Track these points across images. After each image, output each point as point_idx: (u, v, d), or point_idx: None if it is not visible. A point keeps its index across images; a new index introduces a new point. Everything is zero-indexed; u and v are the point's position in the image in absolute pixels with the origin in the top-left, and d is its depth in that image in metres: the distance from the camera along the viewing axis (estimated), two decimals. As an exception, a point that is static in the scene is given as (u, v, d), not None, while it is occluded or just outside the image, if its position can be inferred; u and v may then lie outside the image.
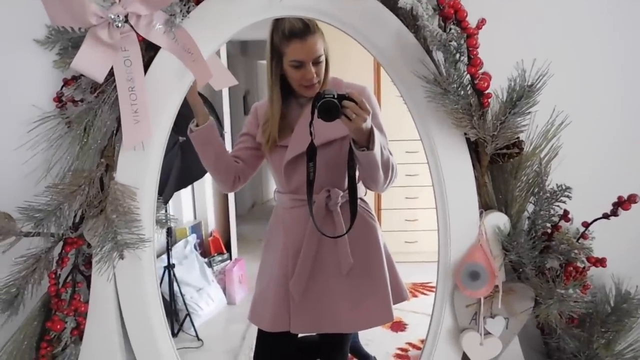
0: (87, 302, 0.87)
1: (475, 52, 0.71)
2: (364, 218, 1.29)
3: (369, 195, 1.35)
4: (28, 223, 0.81)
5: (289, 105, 1.26)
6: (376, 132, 1.08)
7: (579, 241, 0.81)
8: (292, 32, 1.15)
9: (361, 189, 1.29)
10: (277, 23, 1.18)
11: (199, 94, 1.69)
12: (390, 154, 1.20)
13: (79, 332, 0.87)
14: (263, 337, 1.37)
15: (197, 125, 1.18)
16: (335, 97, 1.01)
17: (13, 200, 0.82)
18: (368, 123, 1.05)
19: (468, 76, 0.75)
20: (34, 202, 0.81)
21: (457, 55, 0.72)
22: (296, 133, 1.23)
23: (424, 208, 3.03)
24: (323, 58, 1.19)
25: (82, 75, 0.84)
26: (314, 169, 1.15)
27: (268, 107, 1.26)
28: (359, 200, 1.27)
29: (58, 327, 0.85)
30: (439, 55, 0.77)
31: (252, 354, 1.43)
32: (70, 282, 0.87)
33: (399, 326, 2.23)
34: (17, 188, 0.87)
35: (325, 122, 1.02)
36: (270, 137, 1.25)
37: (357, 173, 1.21)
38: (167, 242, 2.27)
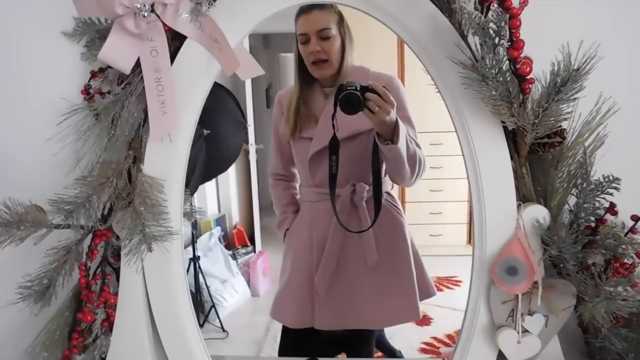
0: (116, 294, 0.87)
1: (517, 34, 0.67)
2: (391, 213, 1.26)
3: (394, 189, 1.32)
4: (58, 215, 0.82)
5: (314, 96, 1.24)
6: (401, 125, 1.04)
7: (627, 236, 0.77)
8: (302, 9, 1.16)
9: (388, 182, 1.26)
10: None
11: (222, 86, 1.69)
12: (418, 146, 1.16)
13: (109, 324, 0.87)
14: (288, 331, 1.37)
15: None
16: (358, 89, 0.98)
17: (44, 192, 0.82)
18: (392, 116, 1.01)
19: (507, 61, 0.71)
20: (63, 195, 0.81)
21: (497, 39, 0.68)
22: (321, 125, 1.20)
23: (448, 201, 2.99)
24: (332, 33, 1.16)
25: (109, 66, 0.83)
26: (336, 163, 1.13)
27: (292, 94, 1.24)
28: (385, 194, 1.24)
29: (89, 318, 0.86)
30: (475, 40, 0.73)
31: (276, 346, 1.43)
32: (100, 274, 0.87)
33: (424, 320, 2.20)
34: (47, 180, 0.87)
35: (347, 115, 0.99)
36: (292, 126, 1.23)
37: (383, 167, 1.18)
38: (192, 235, 2.30)
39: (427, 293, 1.32)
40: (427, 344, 2.10)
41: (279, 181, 1.40)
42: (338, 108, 1.00)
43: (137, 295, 0.87)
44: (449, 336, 2.10)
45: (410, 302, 1.26)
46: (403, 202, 2.95)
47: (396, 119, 1.03)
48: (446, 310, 2.20)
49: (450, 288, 2.53)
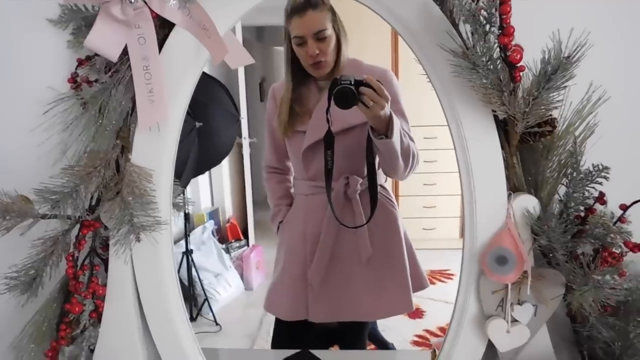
0: (104, 285, 0.87)
1: (508, 21, 0.67)
2: (384, 206, 1.26)
3: (387, 182, 1.32)
4: (45, 205, 0.80)
5: (308, 90, 1.23)
6: (395, 120, 1.04)
7: (616, 225, 0.77)
8: (293, 9, 1.13)
9: (381, 175, 1.26)
10: (287, 4, 1.16)
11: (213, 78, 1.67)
12: (412, 140, 1.16)
13: (97, 315, 0.87)
14: (281, 325, 1.37)
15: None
16: (352, 83, 0.97)
17: (29, 182, 0.81)
18: (387, 110, 1.01)
19: (498, 49, 0.71)
20: (50, 184, 0.80)
21: (487, 26, 0.68)
22: (315, 118, 1.20)
23: (442, 195, 3.00)
24: (327, 33, 1.14)
25: (96, 54, 0.82)
26: (332, 157, 1.13)
27: (285, 89, 1.24)
28: (379, 188, 1.24)
29: (77, 309, 0.85)
30: (466, 28, 0.73)
31: (269, 339, 1.43)
32: (88, 264, 0.86)
33: (416, 313, 2.21)
34: (33, 170, 0.86)
35: (341, 109, 0.99)
36: (282, 121, 1.23)
37: (376, 160, 1.18)
38: (185, 228, 2.29)
39: (420, 285, 1.33)
40: (419, 336, 2.11)
41: (273, 174, 1.39)
42: (332, 102, 0.99)
43: (126, 286, 0.86)
44: (442, 329, 2.11)
45: (404, 294, 1.27)
46: (397, 195, 2.95)
47: (390, 113, 1.03)
48: (439, 303, 2.21)
49: (443, 281, 2.54)
